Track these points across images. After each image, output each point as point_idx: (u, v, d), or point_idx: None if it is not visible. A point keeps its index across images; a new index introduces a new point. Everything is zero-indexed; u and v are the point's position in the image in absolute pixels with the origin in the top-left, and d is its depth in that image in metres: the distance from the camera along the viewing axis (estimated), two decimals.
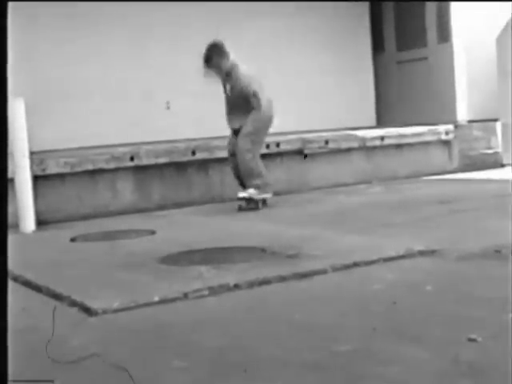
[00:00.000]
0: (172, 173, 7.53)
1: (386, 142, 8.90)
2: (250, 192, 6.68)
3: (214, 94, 7.13)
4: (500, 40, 9.44)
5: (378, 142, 8.84)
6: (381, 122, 10.72)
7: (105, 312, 3.34)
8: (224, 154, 7.21)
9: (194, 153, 7.56)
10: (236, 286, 3.67)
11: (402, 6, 10.60)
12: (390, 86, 10.88)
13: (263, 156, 7.14)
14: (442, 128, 9.36)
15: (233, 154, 6.89)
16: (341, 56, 10.41)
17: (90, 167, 6.99)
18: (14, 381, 2.37)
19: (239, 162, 6.74)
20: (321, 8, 10.13)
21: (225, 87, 6.84)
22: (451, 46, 9.87)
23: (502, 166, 9.56)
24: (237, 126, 6.77)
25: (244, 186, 6.78)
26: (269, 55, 9.59)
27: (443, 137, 9.35)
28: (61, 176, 6.88)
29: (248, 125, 6.69)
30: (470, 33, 9.84)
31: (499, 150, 9.70)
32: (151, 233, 5.60)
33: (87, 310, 3.39)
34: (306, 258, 4.20)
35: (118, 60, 8.74)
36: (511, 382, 2.26)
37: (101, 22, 8.65)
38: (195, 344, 2.86)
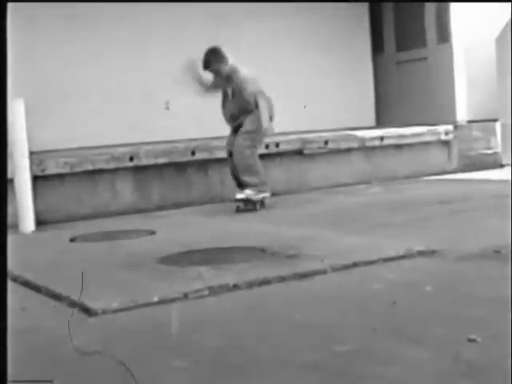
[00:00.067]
0: (172, 173, 7.53)
1: (386, 142, 8.91)
2: (247, 193, 6.67)
3: (214, 95, 7.12)
4: (499, 40, 9.44)
5: (377, 143, 8.84)
6: (380, 123, 10.72)
7: (104, 312, 3.34)
8: (223, 154, 7.21)
9: (193, 153, 7.56)
10: (236, 286, 3.67)
11: (401, 6, 10.60)
12: (389, 86, 10.89)
13: (262, 156, 7.14)
14: (441, 128, 9.36)
15: (231, 155, 6.89)
16: (340, 56, 10.42)
17: (90, 167, 6.99)
18: (14, 381, 2.37)
19: (237, 158, 6.73)
20: (320, 9, 10.13)
21: (225, 91, 6.84)
22: (451, 47, 9.88)
23: (502, 166, 9.56)
24: (236, 123, 6.79)
25: (241, 186, 6.78)
26: (268, 56, 9.60)
27: (443, 137, 9.35)
28: (60, 176, 6.88)
29: (248, 124, 6.71)
30: (469, 33, 9.84)
31: (499, 150, 9.71)
32: (151, 233, 5.60)
33: (87, 310, 3.38)
34: (305, 258, 4.20)
35: (118, 60, 8.75)
36: (511, 382, 2.26)
37: (100, 22, 8.65)
38: (195, 344, 2.86)
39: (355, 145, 8.68)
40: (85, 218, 6.87)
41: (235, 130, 6.86)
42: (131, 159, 7.21)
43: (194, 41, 8.56)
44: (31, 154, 6.43)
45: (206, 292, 3.58)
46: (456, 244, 4.47)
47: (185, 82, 6.85)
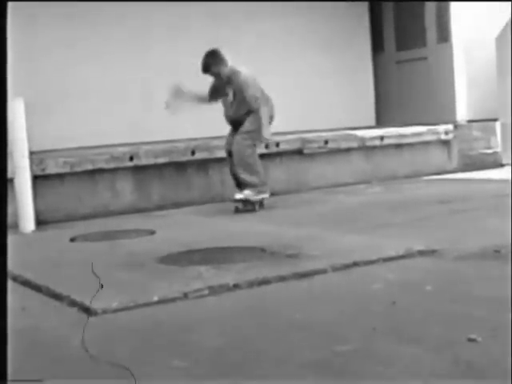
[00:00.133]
0: (171, 173, 7.53)
1: (386, 141, 8.90)
2: (246, 193, 6.67)
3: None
4: (499, 40, 9.44)
5: (377, 142, 8.84)
6: (380, 122, 10.72)
7: (104, 312, 3.34)
8: (224, 153, 7.20)
9: (193, 153, 7.56)
10: (236, 286, 3.67)
11: (401, 5, 10.60)
12: (389, 85, 10.88)
13: (262, 156, 7.14)
14: (441, 128, 9.36)
15: (230, 154, 6.89)
16: (340, 56, 10.41)
17: (90, 167, 6.99)
18: (14, 380, 2.37)
19: (237, 157, 6.72)
20: (320, 8, 10.13)
21: (226, 93, 6.84)
22: (451, 46, 9.88)
23: (502, 165, 9.56)
24: (237, 124, 6.79)
25: (241, 186, 6.78)
26: (268, 55, 9.59)
27: (443, 137, 9.35)
28: (60, 176, 6.88)
29: (248, 124, 6.70)
30: (469, 33, 9.84)
31: (498, 149, 9.70)
32: (151, 233, 5.60)
33: (87, 310, 3.39)
34: (305, 258, 4.21)
35: (118, 60, 8.74)
36: (511, 382, 2.26)
37: (100, 22, 8.65)
38: (195, 343, 2.86)
39: (355, 144, 8.67)
40: (85, 217, 6.87)
41: (235, 130, 6.86)
42: (131, 159, 7.21)
43: (194, 41, 8.57)
44: (31, 153, 6.43)
45: (206, 292, 3.58)
46: (456, 243, 4.47)
47: (176, 107, 6.90)
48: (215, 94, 6.94)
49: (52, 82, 8.26)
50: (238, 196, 6.69)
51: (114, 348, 2.87)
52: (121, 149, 7.32)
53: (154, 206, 7.32)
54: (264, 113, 6.61)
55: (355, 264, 4.04)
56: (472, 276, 3.73)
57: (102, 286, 3.52)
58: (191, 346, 2.83)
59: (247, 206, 6.71)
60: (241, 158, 6.70)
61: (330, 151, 8.52)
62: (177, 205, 7.37)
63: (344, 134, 8.74)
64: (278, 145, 8.00)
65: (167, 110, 6.85)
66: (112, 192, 7.17)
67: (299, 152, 8.29)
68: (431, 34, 10.19)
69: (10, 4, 1.97)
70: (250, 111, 6.69)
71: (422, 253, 4.26)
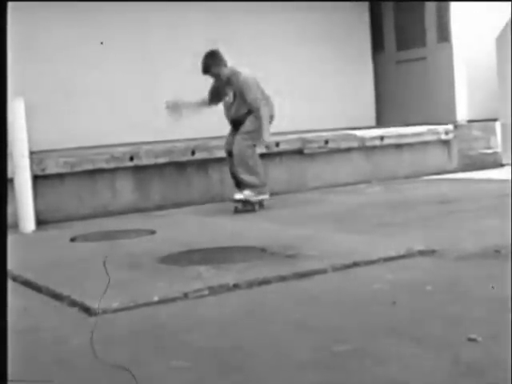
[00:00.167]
0: (172, 172, 7.53)
1: (386, 141, 8.90)
2: (246, 194, 6.66)
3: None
4: (499, 40, 9.44)
5: (377, 142, 8.84)
6: (380, 122, 10.72)
7: (105, 312, 3.34)
8: (223, 153, 7.19)
9: (193, 153, 7.56)
10: (236, 286, 3.67)
11: (401, 5, 10.59)
12: (389, 85, 10.88)
13: (262, 156, 7.14)
14: (441, 128, 9.36)
15: (230, 154, 6.88)
16: (340, 56, 10.41)
17: (90, 167, 6.99)
18: (14, 380, 2.37)
19: (238, 158, 6.72)
20: (320, 7, 10.13)
21: (226, 93, 6.84)
22: (451, 46, 9.87)
23: (502, 165, 9.56)
24: (238, 124, 6.79)
25: (240, 186, 6.77)
26: (268, 55, 9.59)
27: (443, 137, 9.35)
28: (60, 176, 6.88)
29: (248, 123, 6.70)
30: (469, 33, 9.84)
31: (498, 149, 9.70)
32: (151, 233, 5.60)
33: (87, 310, 3.39)
34: (305, 258, 4.21)
35: (118, 60, 8.73)
36: (511, 382, 2.26)
37: (101, 22, 8.64)
38: (195, 344, 2.86)
39: (355, 144, 8.67)
40: (85, 217, 6.87)
41: (235, 129, 6.86)
42: (131, 159, 7.21)
43: (194, 40, 8.57)
44: (31, 153, 6.43)
45: (206, 292, 3.59)
46: (456, 243, 4.47)
47: (178, 116, 6.94)
48: (216, 95, 6.93)
49: (52, 82, 8.25)
50: (238, 196, 6.68)
51: (115, 348, 2.87)
52: (121, 149, 7.32)
53: (154, 205, 7.32)
54: (265, 113, 6.61)
55: (355, 264, 4.04)
56: (472, 276, 3.73)
57: (108, 286, 3.51)
58: (191, 346, 2.83)
59: (247, 207, 6.71)
60: (241, 158, 6.70)
61: (330, 151, 8.52)
62: (177, 205, 7.38)
63: (344, 133, 8.74)
64: (278, 145, 7.99)
65: (170, 117, 6.91)
66: (112, 192, 7.17)
67: (299, 152, 8.29)
68: (431, 33, 10.19)
69: (10, 4, 1.96)
70: (251, 111, 6.69)
71: (422, 253, 4.26)
